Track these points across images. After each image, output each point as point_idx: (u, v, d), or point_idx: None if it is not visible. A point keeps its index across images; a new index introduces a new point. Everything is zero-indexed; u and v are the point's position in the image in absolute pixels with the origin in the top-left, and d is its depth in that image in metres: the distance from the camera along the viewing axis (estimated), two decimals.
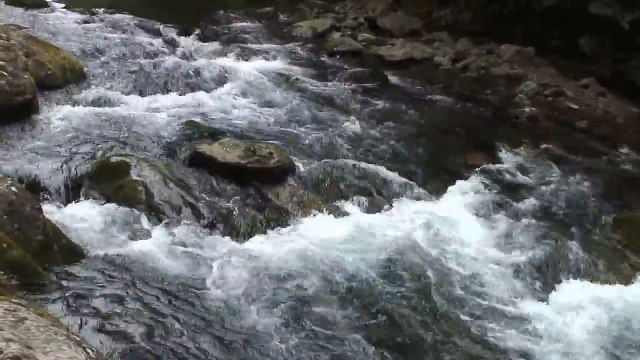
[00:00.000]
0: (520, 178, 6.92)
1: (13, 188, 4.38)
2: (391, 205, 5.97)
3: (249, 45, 11.30)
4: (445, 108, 9.10)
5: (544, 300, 4.92)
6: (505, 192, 6.51)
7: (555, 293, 5.01)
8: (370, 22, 13.40)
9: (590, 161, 7.69)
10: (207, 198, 5.65)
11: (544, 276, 5.22)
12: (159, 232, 4.95)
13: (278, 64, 10.38)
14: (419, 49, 11.74)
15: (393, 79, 10.25)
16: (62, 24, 11.03)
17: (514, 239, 5.68)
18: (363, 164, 6.50)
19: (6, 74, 6.74)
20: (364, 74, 10.13)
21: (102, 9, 12.69)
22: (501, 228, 5.84)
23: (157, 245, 4.74)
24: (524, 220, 6.00)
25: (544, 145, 7.87)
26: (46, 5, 12.50)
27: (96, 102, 7.55)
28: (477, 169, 6.92)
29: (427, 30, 12.98)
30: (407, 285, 4.71)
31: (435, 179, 6.70)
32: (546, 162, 7.38)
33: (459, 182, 6.62)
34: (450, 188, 6.52)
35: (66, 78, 8.01)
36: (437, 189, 6.45)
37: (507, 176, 6.92)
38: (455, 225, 5.68)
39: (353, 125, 7.77)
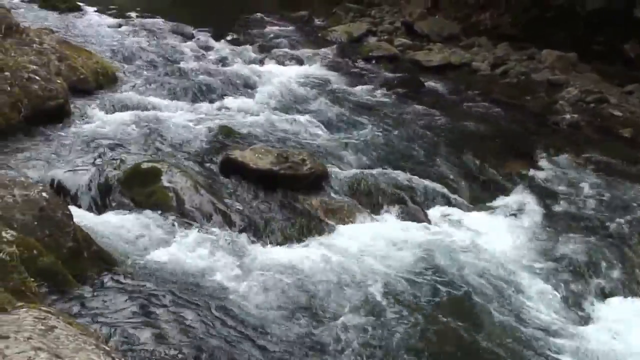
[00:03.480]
0: (561, 187, 6.81)
1: (44, 194, 4.42)
2: (427, 214, 5.92)
3: (283, 49, 11.33)
4: (484, 114, 9.02)
5: (587, 316, 4.82)
6: (545, 201, 6.39)
7: (599, 308, 4.90)
8: (407, 27, 13.37)
9: (634, 170, 7.53)
10: (239, 205, 5.65)
11: (587, 290, 5.11)
12: (189, 239, 4.95)
13: (312, 69, 10.40)
14: (457, 54, 11.68)
15: (430, 84, 10.20)
16: (95, 28, 11.22)
17: (555, 250, 5.57)
18: (398, 172, 6.45)
19: (39, 78, 6.85)
20: (400, 80, 10.11)
21: (135, 13, 12.87)
22: (541, 239, 5.74)
23: (187, 252, 4.74)
24: (565, 231, 5.88)
25: (585, 154, 7.75)
26: (79, 9, 12.71)
27: (128, 107, 7.62)
28: (516, 177, 6.85)
29: (465, 34, 12.91)
30: (443, 297, 4.64)
31: (473, 187, 6.63)
32: (588, 171, 7.26)
33: (497, 191, 6.56)
34: (488, 196, 6.46)
35: (98, 82, 8.13)
36: (474, 197, 6.39)
37: (547, 185, 6.82)
38: (494, 236, 5.61)
39: (388, 132, 7.75)
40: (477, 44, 12.28)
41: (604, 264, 5.40)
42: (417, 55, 11.70)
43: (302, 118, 7.93)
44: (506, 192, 6.55)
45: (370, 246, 5.20)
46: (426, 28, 13.13)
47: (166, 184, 5.57)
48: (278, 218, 5.55)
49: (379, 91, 9.57)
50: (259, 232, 5.34)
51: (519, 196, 6.45)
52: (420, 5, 14.29)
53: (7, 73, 6.55)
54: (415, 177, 6.38)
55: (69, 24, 11.25)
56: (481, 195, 6.48)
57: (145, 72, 9.07)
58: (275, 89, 9.00)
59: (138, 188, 5.58)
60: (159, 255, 4.65)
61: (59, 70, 7.57)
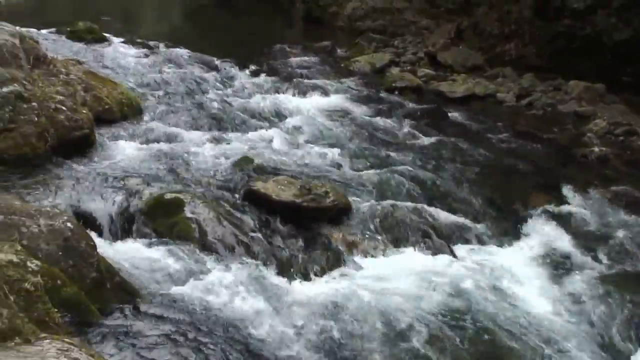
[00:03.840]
0: (589, 223, 6.73)
1: (69, 224, 4.49)
2: (451, 249, 5.90)
3: (306, 80, 11.43)
4: (509, 147, 9.01)
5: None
6: (572, 237, 6.32)
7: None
8: (430, 57, 13.43)
9: None
10: (261, 237, 5.68)
11: (617, 340, 4.94)
12: (212, 271, 4.98)
13: (335, 100, 10.46)
14: (482, 85, 11.70)
15: (454, 115, 10.21)
16: (121, 59, 11.39)
17: (583, 293, 5.41)
18: (422, 205, 6.45)
19: (65, 108, 6.99)
20: (424, 111, 10.14)
21: (160, 44, 13.05)
22: (568, 279, 5.64)
23: (210, 285, 4.77)
24: (594, 272, 5.77)
25: (614, 188, 7.64)
26: (105, 40, 12.92)
27: (152, 138, 7.73)
28: (542, 212, 6.77)
29: (490, 65, 12.95)
30: (466, 336, 4.61)
31: (497, 221, 6.59)
32: (617, 206, 7.16)
33: (522, 225, 6.51)
34: (514, 231, 6.42)
35: (123, 113, 8.25)
36: (499, 232, 6.36)
37: (575, 220, 6.74)
38: (518, 274, 5.55)
39: (412, 164, 7.77)
40: (502, 75, 12.29)
41: (636, 312, 5.25)
42: (441, 86, 11.73)
43: (325, 149, 7.97)
44: (532, 226, 6.50)
45: (395, 281, 5.19)
46: (450, 58, 13.19)
47: (189, 215, 5.63)
48: (301, 251, 5.57)
49: (402, 122, 9.59)
50: (281, 265, 5.36)
51: (545, 231, 6.41)
52: (444, 35, 14.38)
53: (34, 103, 6.68)
54: (440, 210, 6.38)
55: (95, 55, 11.45)
56: (507, 229, 6.44)
57: (169, 103, 9.19)
58: (298, 120, 9.08)
59: (161, 219, 5.65)
60: (181, 287, 4.69)
61: (84, 101, 7.71)
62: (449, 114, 10.17)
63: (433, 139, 8.88)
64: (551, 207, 6.88)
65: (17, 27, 8.53)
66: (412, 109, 10.22)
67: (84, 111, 7.32)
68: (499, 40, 13.39)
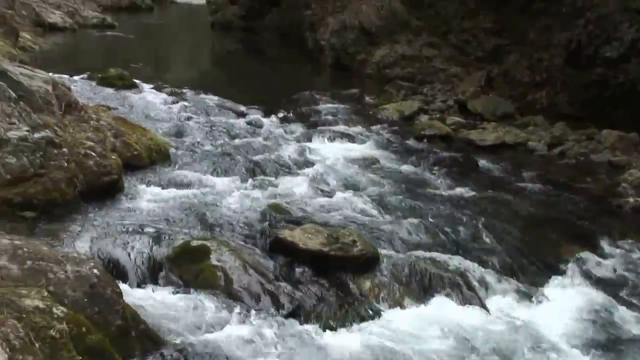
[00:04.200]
0: (625, 275, 6.59)
1: (95, 270, 4.53)
2: (482, 302, 5.82)
3: (334, 127, 11.50)
4: (541, 196, 8.93)
5: None
6: (607, 291, 6.18)
7: None
8: (460, 105, 13.45)
9: None
10: (288, 286, 5.67)
11: None
12: (237, 320, 4.97)
13: (363, 147, 10.51)
14: (512, 133, 11.66)
15: (484, 164, 10.18)
16: (150, 105, 11.62)
17: (621, 349, 5.30)
18: (451, 255, 6.40)
19: (95, 154, 7.12)
20: (453, 159, 10.12)
21: (189, 90, 13.28)
22: (605, 335, 5.50)
23: (235, 334, 4.76)
24: (631, 328, 5.65)
25: None
26: (135, 86, 13.21)
27: (180, 184, 7.83)
28: (576, 263, 6.66)
29: (520, 113, 12.92)
30: None
31: (529, 273, 6.49)
32: None
33: (556, 277, 6.40)
34: (546, 282, 6.32)
35: (152, 159, 8.39)
36: (532, 284, 6.25)
37: (609, 273, 6.62)
38: (553, 328, 5.43)
39: (441, 213, 7.75)
40: (533, 123, 12.25)
41: None
42: (471, 134, 11.70)
43: (353, 197, 7.97)
44: (566, 279, 6.40)
45: (424, 333, 5.13)
46: (480, 106, 13.19)
47: (215, 262, 5.65)
48: (328, 301, 5.54)
49: (431, 171, 9.59)
50: (307, 315, 5.33)
51: (579, 284, 6.31)
52: (474, 83, 14.43)
53: (64, 149, 6.81)
54: (470, 261, 6.32)
55: (125, 101, 11.69)
56: (539, 281, 6.33)
57: (196, 149, 9.31)
58: (326, 167, 9.12)
59: (187, 266, 5.68)
60: (206, 335, 4.69)
61: (114, 147, 7.85)
62: (479, 163, 10.13)
63: (463, 188, 8.84)
64: (585, 259, 6.76)
65: (51, 74, 8.76)
66: (442, 157, 10.20)
67: (113, 157, 7.45)
68: (529, 88, 13.40)
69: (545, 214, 8.25)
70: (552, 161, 10.61)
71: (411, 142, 11.21)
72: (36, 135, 6.70)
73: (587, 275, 6.48)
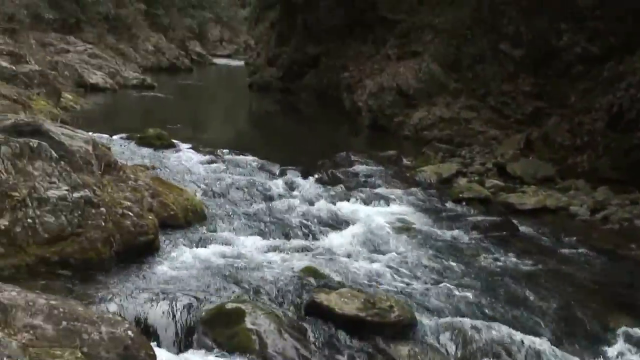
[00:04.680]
0: None
1: (129, 332, 4.56)
2: None
3: (370, 189, 11.50)
4: (584, 262, 8.77)
5: None
6: None
7: None
8: (499, 168, 13.39)
9: None
10: (323, 351, 5.62)
11: None
12: None
13: (400, 210, 10.47)
14: (553, 197, 11.54)
15: (524, 228, 10.06)
16: (187, 164, 11.78)
17: None
18: (491, 323, 6.28)
19: (132, 214, 7.22)
20: (492, 223, 10.02)
21: (226, 150, 13.46)
22: None
23: None
24: None
25: None
26: (173, 145, 13.45)
27: (215, 244, 7.87)
28: (623, 334, 6.47)
29: (561, 177, 12.80)
30: None
31: (575, 343, 6.31)
32: None
33: (602, 349, 6.23)
34: (591, 352, 6.17)
35: (188, 219, 8.47)
36: (576, 353, 6.10)
37: None
38: None
39: (480, 278, 7.65)
40: (574, 187, 12.12)
41: None
42: (510, 198, 11.60)
43: (390, 261, 7.93)
44: (613, 350, 6.22)
45: None
46: (519, 169, 13.11)
47: (249, 326, 5.63)
48: None
49: (469, 235, 9.50)
50: None
51: (627, 355, 6.14)
52: (513, 146, 14.38)
53: (102, 209, 6.92)
54: (511, 328, 6.19)
55: (163, 161, 11.89)
56: (585, 351, 6.18)
57: (232, 209, 9.38)
58: (362, 230, 9.09)
59: (221, 329, 5.66)
60: None
61: (151, 206, 7.96)
62: (519, 227, 10.01)
63: (502, 252, 8.74)
64: (632, 328, 6.59)
65: (91, 133, 8.97)
66: (480, 221, 10.11)
67: (150, 217, 7.54)
68: (570, 151, 13.30)
69: (589, 281, 8.07)
70: (594, 226, 10.43)
71: (449, 205, 11.14)
72: (75, 194, 6.82)
73: (633, 346, 6.30)
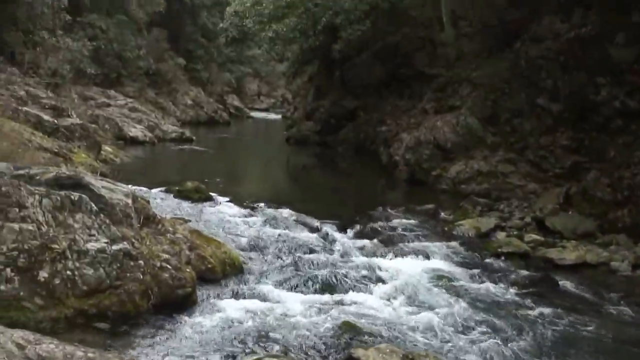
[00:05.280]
0: None
1: None
2: None
3: (408, 243, 11.45)
4: (626, 319, 8.59)
5: None
6: None
7: None
8: (538, 222, 13.25)
9: None
10: None
11: None
12: None
13: (438, 264, 10.40)
14: (593, 253, 11.37)
15: (564, 284, 9.91)
16: (225, 218, 11.87)
17: None
18: None
19: (170, 267, 7.29)
20: (532, 278, 9.89)
21: (264, 203, 13.54)
22: None
23: None
24: None
25: None
26: (211, 199, 13.59)
27: (252, 298, 7.91)
28: None
29: (602, 231, 12.62)
30: None
31: None
32: None
33: None
34: None
35: (225, 272, 8.52)
36: None
37: None
38: None
39: (520, 334, 7.53)
40: (615, 242, 11.94)
41: None
42: (550, 253, 11.46)
43: (428, 316, 7.86)
44: None
45: None
46: (559, 224, 12.97)
47: None
48: None
49: (508, 290, 9.40)
50: None
51: None
52: (552, 200, 14.24)
53: (141, 261, 6.99)
54: None
55: (201, 214, 12.00)
56: None
57: (270, 263, 9.41)
58: (400, 284, 9.04)
59: None
60: None
61: (189, 260, 8.03)
62: (559, 283, 9.87)
63: (542, 308, 8.61)
64: None
65: (130, 186, 9.11)
66: (519, 275, 10.00)
67: (188, 270, 7.60)
68: (611, 206, 13.13)
69: (633, 338, 7.90)
70: (636, 282, 10.23)
71: (488, 259, 11.03)
72: (114, 247, 6.92)
73: None
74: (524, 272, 10.25)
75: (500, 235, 12.53)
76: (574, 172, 15.04)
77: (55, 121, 17.77)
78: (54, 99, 20.76)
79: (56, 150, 14.85)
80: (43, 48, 24.70)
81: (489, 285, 9.50)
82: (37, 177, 7.46)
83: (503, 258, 11.13)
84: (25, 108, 17.55)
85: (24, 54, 22.99)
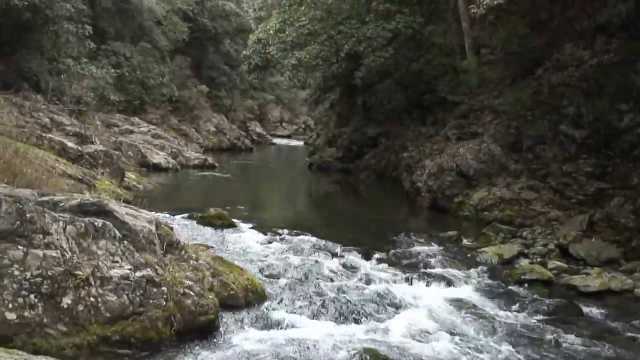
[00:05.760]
0: None
1: None
2: None
3: (431, 270, 11.43)
4: None
5: None
6: None
7: None
8: (561, 249, 13.18)
9: None
10: None
11: None
12: None
13: (461, 291, 10.36)
14: (618, 280, 11.27)
15: (588, 311, 9.83)
16: (247, 244, 11.94)
17: None
18: None
19: (193, 293, 7.33)
20: (556, 306, 9.82)
21: (286, 230, 13.59)
22: None
23: None
24: None
25: None
26: (234, 225, 13.68)
27: (274, 325, 7.92)
28: None
29: (626, 258, 12.52)
30: None
31: None
32: None
33: None
34: None
35: (248, 299, 8.55)
36: None
37: None
38: None
39: None
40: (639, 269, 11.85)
41: None
42: (573, 280, 11.38)
43: (452, 343, 7.83)
44: None
45: None
46: (582, 251, 12.89)
47: None
48: None
49: (532, 317, 9.33)
50: None
51: None
52: (575, 227, 14.15)
53: (164, 288, 7.05)
54: None
55: (224, 240, 12.08)
56: None
57: (292, 290, 9.42)
58: (423, 311, 9.02)
59: None
60: None
61: (211, 286, 8.08)
62: (583, 310, 9.79)
63: (567, 335, 8.54)
64: None
65: (153, 212, 9.20)
66: (543, 303, 9.93)
67: (210, 296, 7.64)
68: (635, 232, 13.03)
69: None
70: None
71: (511, 286, 10.97)
72: (137, 274, 6.98)
73: None
74: (548, 300, 10.17)
75: (524, 262, 12.47)
76: (597, 198, 14.96)
77: (79, 148, 18.02)
78: (77, 126, 21.06)
79: (80, 177, 15.04)
80: (68, 75, 25.09)
81: (513, 313, 9.45)
82: (62, 204, 7.56)
83: (526, 285, 11.07)
84: (49, 135, 17.82)
85: (49, 81, 23.36)
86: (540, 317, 9.36)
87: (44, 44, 23.50)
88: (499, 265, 12.39)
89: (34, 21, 21.76)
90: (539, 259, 12.68)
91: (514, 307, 9.73)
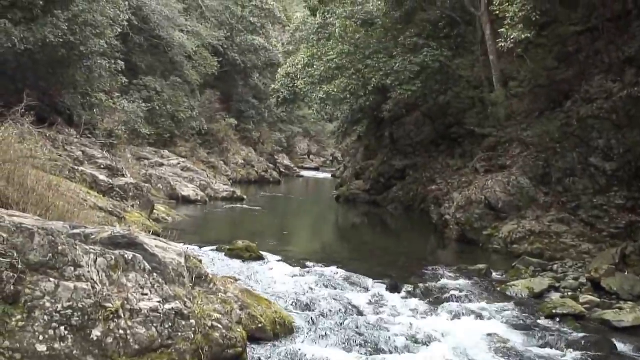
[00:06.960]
0: None
1: None
2: None
3: (460, 303, 11.29)
4: None
5: None
6: None
7: None
8: (593, 283, 12.96)
9: None
10: None
11: None
12: None
13: (491, 325, 10.20)
14: None
15: (622, 347, 9.61)
16: (276, 277, 11.90)
17: None
18: None
19: (221, 326, 7.29)
20: (588, 341, 9.62)
21: (314, 262, 13.54)
22: None
23: None
24: None
25: None
26: (262, 258, 13.67)
27: (302, 359, 7.82)
28: None
29: None
30: None
31: None
32: None
33: None
34: None
35: (275, 332, 8.50)
36: None
37: None
38: None
39: None
40: None
41: None
42: (606, 314, 11.16)
43: None
44: None
45: None
46: (615, 285, 12.66)
47: None
48: None
49: (565, 353, 9.15)
50: None
51: None
52: (607, 260, 13.92)
53: (192, 321, 7.02)
54: None
55: (252, 273, 12.05)
56: None
57: (320, 323, 9.35)
58: (452, 346, 8.90)
59: None
60: None
61: (239, 319, 8.04)
62: (617, 345, 9.58)
63: None
64: None
65: (182, 244, 9.22)
66: (575, 338, 9.74)
67: (239, 329, 7.60)
68: None
69: None
70: None
71: (542, 321, 10.79)
72: (166, 306, 6.96)
73: None
74: (580, 335, 9.98)
75: (555, 296, 12.28)
76: (629, 231, 14.77)
77: (110, 181, 18.19)
78: (109, 159, 21.29)
79: (110, 210, 15.15)
80: (100, 109, 25.46)
81: (545, 348, 9.29)
82: (93, 237, 7.59)
83: (558, 320, 10.87)
84: (81, 168, 18.02)
85: (82, 115, 23.70)
86: (572, 352, 9.17)
87: (77, 79, 23.89)
88: (529, 299, 12.21)
89: (68, 57, 22.16)
90: (570, 293, 12.47)
91: (546, 342, 9.55)
